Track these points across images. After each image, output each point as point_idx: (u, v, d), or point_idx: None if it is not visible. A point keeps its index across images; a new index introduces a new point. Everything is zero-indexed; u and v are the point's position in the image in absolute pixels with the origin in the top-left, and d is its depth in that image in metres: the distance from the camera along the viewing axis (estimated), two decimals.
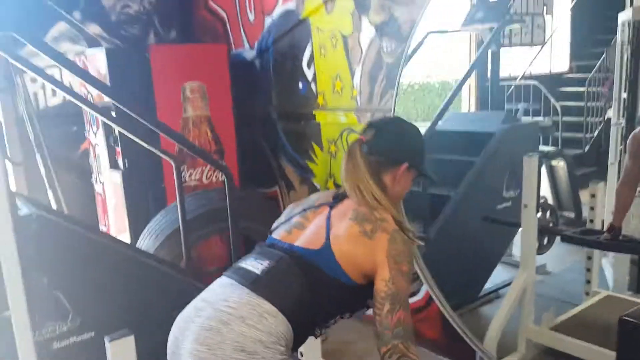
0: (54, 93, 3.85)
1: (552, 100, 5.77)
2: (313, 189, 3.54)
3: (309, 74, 3.35)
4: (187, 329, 1.23)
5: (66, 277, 2.03)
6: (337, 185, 3.40)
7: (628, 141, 2.52)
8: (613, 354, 2.37)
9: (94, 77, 2.90)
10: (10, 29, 2.70)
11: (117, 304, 2.08)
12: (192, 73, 3.37)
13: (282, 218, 1.48)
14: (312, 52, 3.29)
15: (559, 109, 5.75)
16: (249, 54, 3.75)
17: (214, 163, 2.95)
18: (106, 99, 3.04)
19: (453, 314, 2.65)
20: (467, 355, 2.70)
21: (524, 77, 6.23)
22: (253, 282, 1.25)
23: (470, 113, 4.31)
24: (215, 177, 3.44)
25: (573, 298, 3.24)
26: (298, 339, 1.27)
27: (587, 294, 3.11)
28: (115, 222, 3.46)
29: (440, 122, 3.99)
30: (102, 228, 3.69)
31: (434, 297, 2.71)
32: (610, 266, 3.45)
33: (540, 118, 5.04)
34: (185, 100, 3.37)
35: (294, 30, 3.39)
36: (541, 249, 3.63)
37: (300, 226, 1.38)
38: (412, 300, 3.03)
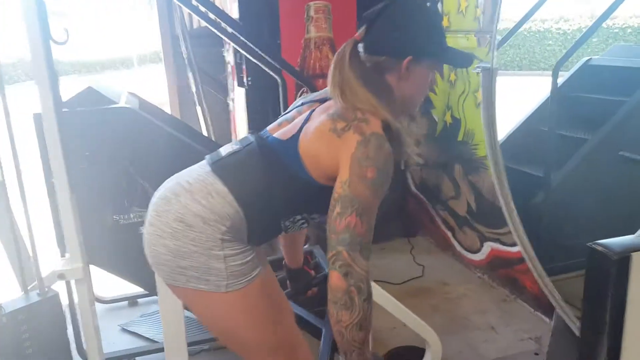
0: None
1: None
2: (432, 122, 3.34)
3: None
4: (154, 196, 1.31)
5: (152, 169, 2.22)
6: (454, 118, 3.16)
7: None
8: None
9: (226, 15, 3.03)
10: None
11: None
12: None
13: (291, 107, 1.41)
14: None
15: None
16: None
17: (304, 81, 2.95)
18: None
19: (543, 275, 2.32)
20: None
21: None
22: (215, 162, 1.25)
23: (636, 46, 3.58)
24: None
25: None
26: (258, 229, 1.23)
27: None
28: (240, 136, 3.69)
29: (598, 57, 3.43)
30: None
31: (521, 247, 2.40)
32: None
33: None
34: (308, 20, 3.36)
35: None
36: None
37: (290, 119, 1.31)
38: (515, 249, 2.75)
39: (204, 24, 4.24)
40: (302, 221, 1.28)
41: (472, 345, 2.40)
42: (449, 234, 3.31)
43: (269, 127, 1.34)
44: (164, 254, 1.19)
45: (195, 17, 4.26)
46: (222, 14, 2.94)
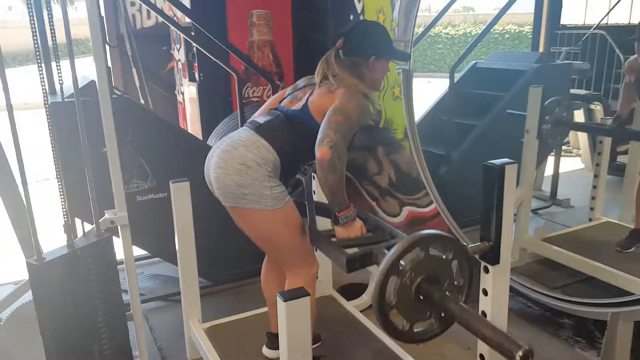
0: (148, 16, 4.56)
1: (617, 50, 5.78)
2: None
3: (359, 7, 3.79)
4: (214, 151, 1.87)
5: (147, 147, 2.71)
6: (376, 110, 3.90)
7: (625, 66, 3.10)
8: (591, 261, 2.80)
9: (180, 2, 3.52)
10: None
11: (185, 174, 2.64)
12: (259, 1, 3.92)
13: (289, 90, 2.03)
14: None
15: (622, 60, 5.76)
16: None
17: (262, 73, 3.52)
18: (187, 20, 3.70)
19: (451, 219, 3.13)
20: None
21: (599, 27, 6.22)
22: (257, 127, 1.85)
23: (510, 52, 4.54)
24: None
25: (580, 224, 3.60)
26: (288, 170, 1.84)
27: (590, 219, 3.46)
28: (191, 126, 4.17)
29: (482, 60, 4.35)
30: None
31: (437, 205, 3.19)
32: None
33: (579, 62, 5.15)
34: (252, 26, 3.95)
35: None
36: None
37: (298, 98, 1.93)
38: (427, 209, 3.55)
39: (147, 24, 4.70)
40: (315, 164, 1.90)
41: None
42: (374, 203, 4.05)
43: (283, 103, 1.95)
44: (231, 185, 1.76)
45: (139, 19, 4.68)
46: (187, 11, 3.45)
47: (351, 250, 1.63)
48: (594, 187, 3.41)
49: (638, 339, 2.06)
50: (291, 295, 1.30)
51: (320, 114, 1.81)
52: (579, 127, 3.23)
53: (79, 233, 2.19)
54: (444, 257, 1.41)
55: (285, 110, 1.92)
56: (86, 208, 2.12)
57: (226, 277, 3.16)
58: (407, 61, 2.01)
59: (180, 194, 2.24)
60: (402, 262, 1.35)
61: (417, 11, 2.99)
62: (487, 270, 1.57)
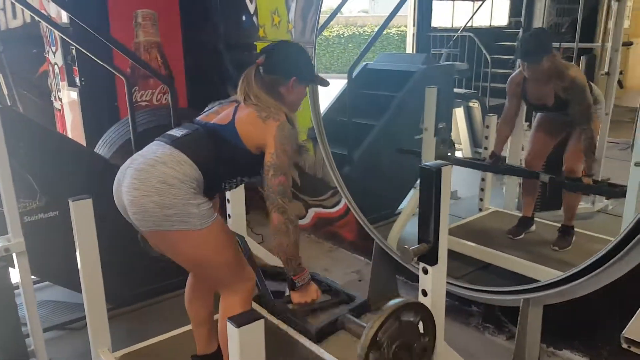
0: (14, 15, 4.08)
1: (484, 51, 6.28)
2: None
3: (251, 8, 3.72)
4: (126, 172, 1.68)
5: (33, 162, 2.42)
6: None
7: (507, 84, 3.05)
8: (484, 248, 2.99)
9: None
10: None
11: (78, 189, 2.39)
12: (144, 0, 3.69)
13: (205, 109, 1.91)
14: None
15: (489, 60, 6.28)
16: None
17: (159, 76, 3.32)
18: (64, 19, 3.37)
19: (364, 219, 3.18)
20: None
21: (465, 29, 6.71)
22: (174, 141, 1.70)
23: (397, 54, 4.76)
24: (165, 99, 3.82)
25: (471, 215, 3.85)
26: (210, 187, 1.72)
27: (480, 209, 3.71)
28: (71, 133, 3.81)
29: (372, 62, 4.48)
30: None
31: (349, 205, 3.23)
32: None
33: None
34: (137, 26, 3.70)
35: None
36: None
37: (215, 113, 1.82)
38: (334, 209, 3.58)
39: (13, 25, 4.20)
40: (235, 182, 1.81)
41: None
42: None
43: (199, 118, 1.82)
44: (152, 207, 1.59)
45: (3, 19, 4.17)
46: (64, 5, 3.13)
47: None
48: (482, 179, 3.65)
49: (547, 322, 2.24)
50: (244, 320, 1.21)
51: (249, 141, 1.72)
52: (461, 163, 3.50)
53: None
54: (411, 319, 1.50)
55: (203, 123, 1.79)
56: None
57: (129, 297, 2.93)
58: (327, 86, 2.01)
59: (81, 213, 2.01)
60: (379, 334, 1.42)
61: (320, 13, 2.98)
62: (426, 272, 1.59)
